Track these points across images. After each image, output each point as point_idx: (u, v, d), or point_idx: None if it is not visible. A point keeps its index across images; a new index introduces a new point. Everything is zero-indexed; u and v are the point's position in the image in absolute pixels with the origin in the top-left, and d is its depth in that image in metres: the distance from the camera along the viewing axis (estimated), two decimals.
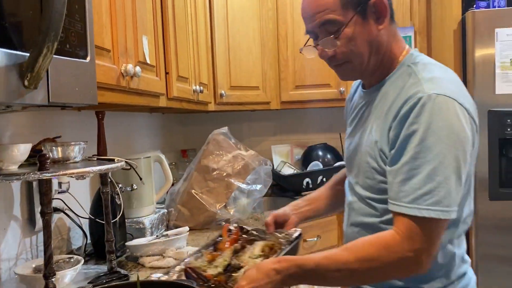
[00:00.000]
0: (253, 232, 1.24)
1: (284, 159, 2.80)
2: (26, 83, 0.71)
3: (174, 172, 2.45)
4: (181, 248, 1.42)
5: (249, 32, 2.45)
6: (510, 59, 2.08)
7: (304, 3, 1.07)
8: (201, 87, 1.95)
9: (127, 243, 1.47)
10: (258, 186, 1.89)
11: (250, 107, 2.55)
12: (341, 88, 2.56)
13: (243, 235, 1.22)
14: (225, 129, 1.92)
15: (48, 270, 0.96)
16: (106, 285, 1.04)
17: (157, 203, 1.85)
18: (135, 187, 1.52)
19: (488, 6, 2.31)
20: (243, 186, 1.83)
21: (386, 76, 1.06)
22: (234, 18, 2.37)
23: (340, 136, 2.87)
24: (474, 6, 2.32)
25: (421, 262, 0.91)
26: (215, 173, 1.79)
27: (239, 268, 1.04)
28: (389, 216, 0.98)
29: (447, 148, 0.90)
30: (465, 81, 2.20)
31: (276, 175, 2.61)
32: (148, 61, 1.40)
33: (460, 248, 1.04)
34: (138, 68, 1.26)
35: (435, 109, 0.91)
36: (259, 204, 2.52)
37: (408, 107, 0.93)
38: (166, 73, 1.60)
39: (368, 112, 1.10)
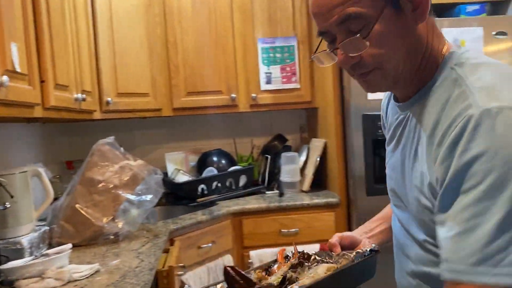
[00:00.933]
0: (316, 257, 1.00)
1: (178, 167, 2.78)
2: None
3: (59, 185, 2.30)
4: (63, 267, 1.34)
5: (135, 38, 2.39)
6: None
7: None
8: (84, 95, 1.86)
9: (0, 267, 1.34)
10: (149, 197, 1.85)
11: (140, 114, 2.49)
12: (232, 95, 2.62)
13: (305, 262, 0.99)
14: (111, 139, 1.85)
15: None
16: None
17: (39, 220, 1.72)
18: (8, 205, 1.40)
19: None
20: (132, 197, 1.78)
21: (426, 84, 0.82)
22: (119, 23, 2.30)
23: (234, 141, 2.93)
24: None
25: None
26: (100, 185, 1.72)
27: (295, 281, 0.87)
28: None
29: None
30: (341, 87, 2.39)
31: (169, 183, 2.59)
32: (18, 70, 1.30)
33: None
34: (5, 78, 1.16)
35: (498, 129, 0.65)
36: (152, 213, 2.47)
37: (458, 130, 0.68)
38: (42, 81, 1.50)
39: (407, 133, 0.87)
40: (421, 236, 0.82)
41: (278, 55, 2.66)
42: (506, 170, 0.64)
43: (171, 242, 2.01)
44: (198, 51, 2.59)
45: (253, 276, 0.94)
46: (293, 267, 0.94)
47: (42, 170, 1.70)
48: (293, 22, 2.64)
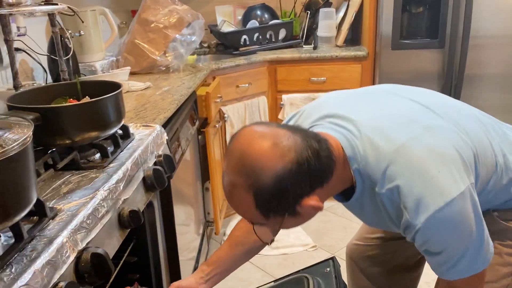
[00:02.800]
0: None
1: (227, 19, 3.08)
2: None
3: (125, 30, 2.72)
4: (124, 80, 1.80)
5: None
6: None
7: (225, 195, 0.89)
8: None
9: (80, 78, 1.83)
10: (193, 37, 2.22)
11: None
12: None
13: None
14: None
15: (15, 83, 1.32)
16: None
17: (108, 54, 2.18)
18: (82, 33, 1.83)
19: None
20: (179, 37, 2.16)
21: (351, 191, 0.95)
22: None
23: None
24: None
25: None
26: (153, 25, 2.10)
27: None
28: None
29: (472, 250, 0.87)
30: None
31: (216, 33, 2.93)
32: None
33: None
34: None
35: (441, 231, 0.84)
36: (204, 59, 2.88)
37: (410, 236, 0.88)
38: None
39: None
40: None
41: None
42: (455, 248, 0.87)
43: (213, 79, 2.42)
44: None
45: None
46: None
47: (107, 11, 2.09)
48: None
